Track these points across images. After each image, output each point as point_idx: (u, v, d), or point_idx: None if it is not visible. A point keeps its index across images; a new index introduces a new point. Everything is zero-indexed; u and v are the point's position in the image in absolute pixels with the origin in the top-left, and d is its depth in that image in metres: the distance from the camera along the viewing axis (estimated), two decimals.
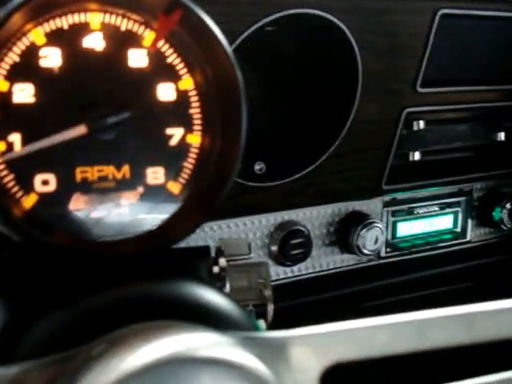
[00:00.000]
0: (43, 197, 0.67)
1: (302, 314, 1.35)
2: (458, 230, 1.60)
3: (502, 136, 1.50)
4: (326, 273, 1.42)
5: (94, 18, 0.68)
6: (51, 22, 0.67)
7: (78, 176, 0.68)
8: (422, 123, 1.36)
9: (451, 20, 1.27)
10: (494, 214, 1.60)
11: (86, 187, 0.69)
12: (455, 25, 1.30)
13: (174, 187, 0.73)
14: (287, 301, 1.34)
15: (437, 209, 1.55)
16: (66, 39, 0.68)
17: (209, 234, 1.24)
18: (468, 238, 1.62)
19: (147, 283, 0.64)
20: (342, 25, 1.12)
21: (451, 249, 1.59)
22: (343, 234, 1.40)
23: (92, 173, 0.69)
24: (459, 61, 1.37)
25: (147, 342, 0.51)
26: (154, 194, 0.72)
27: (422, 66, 1.27)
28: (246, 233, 1.30)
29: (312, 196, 1.31)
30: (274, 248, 1.32)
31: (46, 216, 0.67)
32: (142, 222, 0.71)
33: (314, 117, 1.28)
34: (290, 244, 1.31)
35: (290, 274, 1.37)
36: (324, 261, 1.41)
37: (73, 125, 0.67)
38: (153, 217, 0.72)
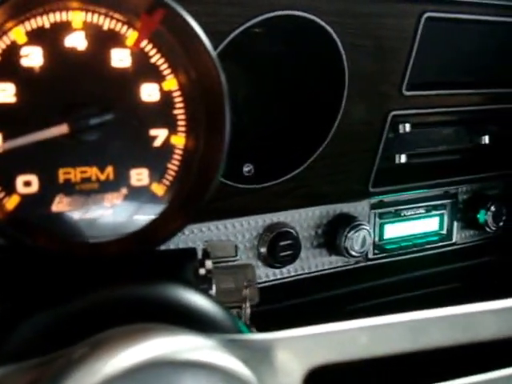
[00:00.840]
0: (25, 198, 0.64)
1: (291, 315, 1.33)
2: (444, 232, 1.59)
3: (486, 139, 1.49)
4: (314, 274, 1.40)
5: (76, 17, 0.65)
6: (32, 20, 0.64)
7: (61, 177, 0.66)
8: (407, 126, 1.34)
9: (436, 23, 1.25)
10: (478, 216, 1.59)
11: (69, 189, 0.66)
12: (440, 28, 1.28)
13: (159, 189, 0.70)
14: (276, 302, 1.32)
15: (423, 211, 1.53)
16: (48, 38, 0.65)
17: (198, 236, 1.22)
18: (454, 240, 1.61)
19: (130, 285, 0.61)
20: (328, 27, 1.10)
21: (437, 251, 1.57)
22: (331, 235, 1.38)
23: (75, 174, 0.66)
24: (444, 64, 1.35)
25: (130, 345, 0.49)
26: (138, 195, 0.69)
27: (408, 69, 1.25)
28: (235, 234, 1.27)
29: (300, 198, 1.28)
30: (263, 250, 1.30)
31: (28, 218, 0.64)
32: (126, 223, 0.69)
33: (302, 119, 1.26)
34: (278, 246, 1.29)
35: (278, 276, 1.35)
36: (312, 262, 1.39)
37: (54, 124, 0.64)
38: (137, 218, 0.69)
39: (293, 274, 1.37)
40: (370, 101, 1.25)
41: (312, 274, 1.40)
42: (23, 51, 0.64)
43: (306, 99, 1.25)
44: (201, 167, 0.70)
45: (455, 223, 1.60)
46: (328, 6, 1.10)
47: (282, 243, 1.29)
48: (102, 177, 0.67)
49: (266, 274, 1.33)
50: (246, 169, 1.23)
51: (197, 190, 0.70)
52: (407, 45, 1.24)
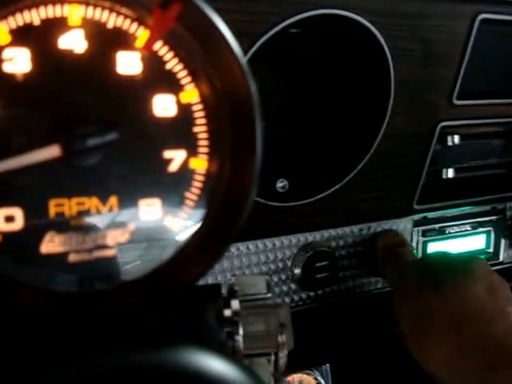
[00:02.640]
0: (7, 237, 0.50)
1: (328, 340, 1.23)
2: (491, 250, 1.44)
3: None
4: (352, 297, 1.25)
5: (74, 12, 0.51)
6: (18, 15, 0.49)
7: (52, 210, 0.51)
8: (456, 138, 1.20)
9: (492, 26, 1.11)
10: None
11: (62, 224, 0.51)
12: (496, 31, 1.14)
13: (174, 223, 0.55)
14: (311, 327, 1.18)
15: (469, 228, 1.38)
16: (37, 38, 0.50)
17: (227, 256, 1.08)
18: (501, 259, 1.45)
19: (131, 351, 0.47)
20: (373, 29, 0.96)
21: None
22: (371, 255, 1.24)
23: (70, 206, 0.51)
24: (499, 71, 1.21)
25: None
26: (149, 232, 0.55)
27: (459, 76, 1.11)
28: (267, 254, 1.13)
29: (338, 216, 1.16)
30: (298, 271, 1.16)
31: (10, 262, 0.50)
32: (134, 267, 0.54)
33: (342, 130, 1.13)
34: (314, 267, 1.15)
35: (314, 299, 1.21)
36: (351, 283, 1.25)
37: (44, 145, 0.49)
38: (147, 261, 0.54)
39: (329, 296, 1.22)
40: (417, 110, 1.11)
41: (350, 297, 1.25)
42: (6, 54, 0.49)
43: (346, 108, 1.11)
44: (226, 197, 0.55)
45: (502, 241, 1.44)
46: (374, 5, 0.96)
47: (318, 264, 1.15)
48: (104, 209, 0.53)
49: (300, 297, 1.18)
50: (279, 184, 1.09)
51: (222, 224, 0.55)
52: (459, 49, 1.09)
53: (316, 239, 1.17)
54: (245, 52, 0.87)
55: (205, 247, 0.55)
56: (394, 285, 1.11)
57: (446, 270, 1.01)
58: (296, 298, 1.18)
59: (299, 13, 0.89)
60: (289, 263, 1.15)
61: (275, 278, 1.14)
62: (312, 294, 1.19)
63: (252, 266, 1.10)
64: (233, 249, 1.09)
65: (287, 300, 1.16)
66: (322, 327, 1.22)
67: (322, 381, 1.26)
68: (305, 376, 1.25)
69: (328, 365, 1.28)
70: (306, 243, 1.16)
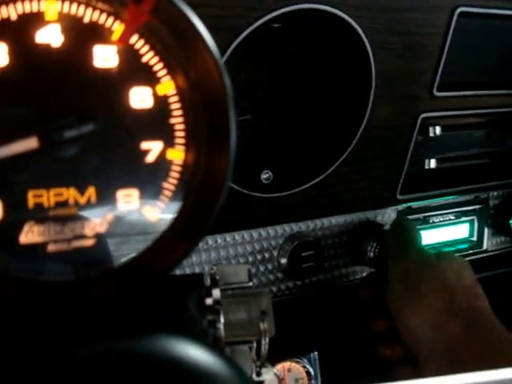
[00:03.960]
0: None
1: (313, 328, 1.23)
2: (474, 239, 1.45)
3: None
4: (338, 285, 1.25)
5: (50, 7, 0.51)
6: None
7: (31, 201, 0.51)
8: (438, 129, 1.20)
9: (470, 19, 1.11)
10: (510, 222, 1.44)
11: (40, 215, 0.51)
12: (474, 24, 1.14)
13: (152, 213, 0.55)
14: (298, 316, 1.19)
15: (452, 217, 1.39)
16: (14, 32, 0.50)
17: (213, 246, 1.08)
18: (484, 247, 1.46)
19: (112, 339, 0.47)
20: (354, 23, 0.96)
21: (467, 258, 1.40)
22: (356, 244, 1.24)
23: (48, 197, 0.51)
24: (478, 63, 1.21)
25: None
26: (127, 221, 0.55)
27: (439, 68, 1.11)
28: (253, 245, 1.13)
29: (323, 206, 1.16)
30: (284, 261, 1.15)
31: None
32: (113, 256, 0.54)
33: (325, 122, 1.12)
34: (300, 256, 1.15)
35: (301, 288, 1.21)
36: (336, 272, 1.25)
37: (21, 137, 0.49)
38: (126, 249, 0.54)
39: (316, 285, 1.22)
40: (398, 102, 1.12)
41: (335, 285, 1.25)
42: None
43: (329, 100, 1.11)
44: (202, 186, 0.55)
45: (486, 230, 1.45)
46: None
47: (304, 254, 1.15)
48: (82, 200, 0.53)
49: (286, 286, 1.19)
50: (264, 176, 1.09)
51: (198, 213, 0.55)
52: (439, 42, 1.09)
53: (301, 229, 1.17)
54: (227, 46, 0.87)
55: (182, 236, 0.55)
56: (394, 244, 1.14)
57: (444, 252, 1.13)
58: (283, 287, 1.18)
59: (280, 7, 0.89)
60: (275, 253, 1.15)
61: (262, 268, 1.14)
62: (298, 283, 1.19)
63: (238, 256, 1.10)
64: (219, 239, 1.08)
65: (274, 289, 1.16)
66: (309, 316, 1.22)
67: (311, 369, 1.26)
68: (293, 364, 1.25)
69: (316, 352, 1.28)
70: (292, 233, 1.16)
